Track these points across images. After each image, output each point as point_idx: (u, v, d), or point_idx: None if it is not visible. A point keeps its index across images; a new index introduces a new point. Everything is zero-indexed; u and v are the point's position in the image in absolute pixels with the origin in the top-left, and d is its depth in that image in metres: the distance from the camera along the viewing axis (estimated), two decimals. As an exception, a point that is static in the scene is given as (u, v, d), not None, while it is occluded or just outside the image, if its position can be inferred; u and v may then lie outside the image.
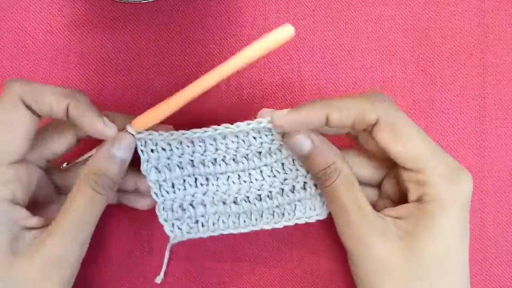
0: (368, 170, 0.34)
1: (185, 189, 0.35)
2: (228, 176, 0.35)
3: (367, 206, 0.31)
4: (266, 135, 0.34)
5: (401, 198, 0.33)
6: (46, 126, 0.34)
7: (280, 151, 0.34)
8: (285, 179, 0.35)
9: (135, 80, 0.39)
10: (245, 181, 0.35)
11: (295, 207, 0.35)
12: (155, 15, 0.39)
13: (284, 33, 0.30)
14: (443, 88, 0.39)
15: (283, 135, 0.33)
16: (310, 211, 0.35)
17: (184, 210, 0.35)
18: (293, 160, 0.34)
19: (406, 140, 0.30)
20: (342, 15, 0.39)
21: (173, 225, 0.35)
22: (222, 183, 0.35)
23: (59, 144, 0.34)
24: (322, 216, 0.35)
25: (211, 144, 0.34)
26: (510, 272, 0.39)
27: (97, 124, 0.31)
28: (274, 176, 0.35)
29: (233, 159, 0.35)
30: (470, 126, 0.39)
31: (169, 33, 0.39)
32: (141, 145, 0.33)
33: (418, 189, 0.31)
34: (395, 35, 0.39)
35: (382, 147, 0.31)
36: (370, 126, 0.31)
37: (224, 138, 0.34)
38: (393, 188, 0.34)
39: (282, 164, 0.35)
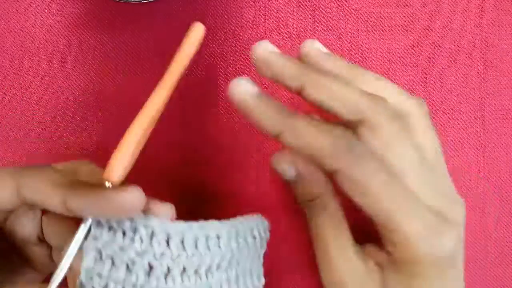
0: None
1: None
2: None
3: (351, 247, 0.29)
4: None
5: None
6: None
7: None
8: None
9: (135, 80, 0.39)
10: None
11: None
12: (155, 15, 0.39)
13: (198, 34, 0.29)
14: (443, 88, 0.39)
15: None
16: None
17: None
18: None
19: (372, 199, 0.26)
20: (342, 15, 0.39)
21: None
22: None
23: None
24: None
25: (190, 247, 0.26)
26: (510, 272, 0.39)
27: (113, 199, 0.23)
28: None
29: (208, 270, 0.27)
30: (470, 126, 0.39)
31: (169, 33, 0.39)
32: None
33: (389, 245, 0.28)
34: (395, 35, 0.39)
35: (348, 195, 0.27)
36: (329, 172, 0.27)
37: (208, 239, 0.26)
38: None
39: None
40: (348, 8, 0.39)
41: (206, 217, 0.27)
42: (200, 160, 0.39)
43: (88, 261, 0.24)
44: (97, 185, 0.24)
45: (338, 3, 0.39)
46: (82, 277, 0.24)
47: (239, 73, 0.39)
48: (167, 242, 0.25)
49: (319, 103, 0.28)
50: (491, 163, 0.39)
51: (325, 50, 0.31)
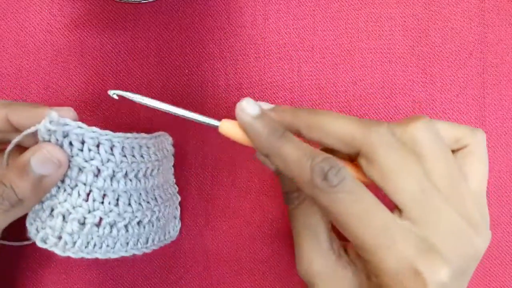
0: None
1: (70, 194, 0.31)
2: (131, 195, 0.33)
3: (326, 240, 0.30)
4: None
5: None
6: None
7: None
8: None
9: (135, 80, 0.39)
10: (148, 202, 0.34)
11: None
12: (155, 15, 0.39)
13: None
14: (443, 88, 0.39)
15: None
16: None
17: (52, 216, 0.31)
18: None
19: (347, 226, 0.27)
20: (342, 15, 0.39)
21: (35, 227, 0.32)
22: (122, 204, 0.32)
23: None
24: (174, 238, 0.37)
25: (129, 154, 0.32)
26: (510, 272, 0.39)
27: (43, 111, 0.29)
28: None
29: (144, 175, 0.33)
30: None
31: (169, 33, 0.39)
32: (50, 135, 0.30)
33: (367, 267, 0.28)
34: (395, 35, 0.39)
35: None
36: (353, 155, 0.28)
37: (141, 148, 0.33)
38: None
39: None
40: (348, 8, 0.39)
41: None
42: (200, 161, 0.39)
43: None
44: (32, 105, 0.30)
45: (338, 3, 0.39)
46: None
47: (239, 73, 0.39)
48: (111, 149, 0.31)
49: (317, 142, 0.29)
50: (491, 163, 0.39)
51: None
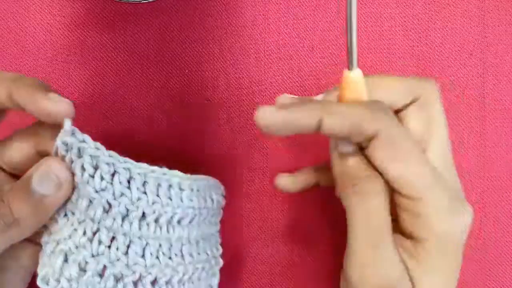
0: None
1: (71, 235, 0.26)
2: (147, 244, 0.26)
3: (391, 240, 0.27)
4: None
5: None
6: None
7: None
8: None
9: (135, 80, 0.39)
10: (163, 254, 0.27)
11: None
12: (155, 15, 0.39)
13: None
14: (443, 88, 0.39)
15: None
16: None
17: (49, 257, 0.26)
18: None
19: (406, 162, 0.26)
20: (342, 15, 0.39)
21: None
22: (134, 252, 0.26)
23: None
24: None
25: (152, 193, 0.26)
26: (510, 272, 0.39)
27: (39, 101, 0.25)
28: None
29: (168, 223, 0.27)
30: (470, 126, 0.39)
31: (169, 33, 0.39)
32: (64, 150, 0.25)
33: (411, 220, 0.27)
34: (395, 35, 0.39)
35: (377, 165, 0.27)
36: (367, 139, 0.26)
37: (169, 188, 0.27)
38: None
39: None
40: (348, 8, 0.39)
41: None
42: (201, 162, 0.39)
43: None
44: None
45: (338, 3, 0.39)
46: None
47: (239, 73, 0.39)
48: (128, 182, 0.26)
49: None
50: (491, 163, 0.39)
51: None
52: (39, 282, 0.26)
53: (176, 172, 0.27)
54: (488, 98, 0.39)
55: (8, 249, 0.28)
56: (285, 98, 0.29)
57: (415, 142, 0.27)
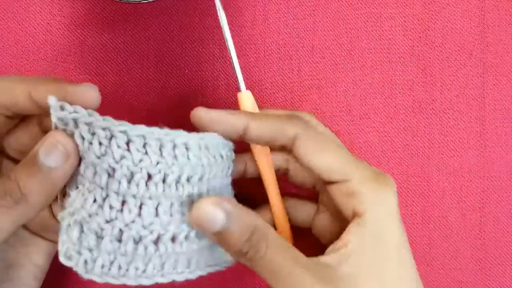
0: (304, 175, 0.33)
1: (83, 205, 0.26)
2: (159, 203, 0.27)
3: (303, 258, 0.27)
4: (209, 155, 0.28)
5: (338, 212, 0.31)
6: None
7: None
8: None
9: (135, 80, 0.39)
10: (177, 212, 0.27)
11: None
12: (155, 15, 0.39)
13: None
14: (443, 88, 0.39)
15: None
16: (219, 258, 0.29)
17: (67, 231, 0.26)
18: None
19: (329, 152, 0.30)
20: (342, 15, 0.39)
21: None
22: (147, 213, 0.26)
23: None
24: (230, 263, 0.30)
25: (154, 153, 0.26)
26: (510, 272, 0.39)
27: (65, 88, 0.26)
28: None
29: (176, 182, 0.27)
30: (470, 126, 0.39)
31: (169, 33, 0.39)
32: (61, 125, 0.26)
33: (348, 201, 0.29)
34: (395, 35, 0.39)
35: (305, 161, 0.30)
36: (290, 141, 0.30)
37: (174, 148, 0.27)
38: (330, 200, 0.32)
39: None
40: (348, 8, 0.39)
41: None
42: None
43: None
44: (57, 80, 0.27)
45: (338, 3, 0.39)
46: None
47: (239, 73, 0.39)
48: (127, 145, 0.26)
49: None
50: (491, 163, 0.39)
51: None
52: (62, 259, 0.26)
53: (181, 131, 0.27)
54: (488, 98, 0.39)
55: (20, 245, 0.28)
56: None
57: (332, 136, 0.32)
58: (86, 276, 0.26)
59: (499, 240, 0.39)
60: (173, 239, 0.27)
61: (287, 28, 0.39)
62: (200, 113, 0.29)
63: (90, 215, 0.26)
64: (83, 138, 0.26)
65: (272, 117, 0.30)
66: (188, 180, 0.27)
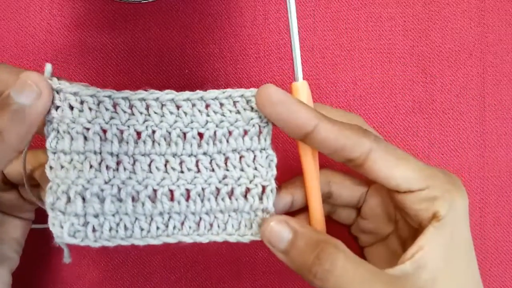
0: (348, 189, 0.33)
1: (81, 170, 0.27)
2: (152, 160, 0.28)
3: (380, 272, 0.27)
4: (218, 113, 0.28)
5: (389, 219, 0.32)
6: None
7: (228, 140, 0.28)
8: (224, 178, 0.28)
9: (135, 80, 0.39)
10: (173, 169, 0.28)
11: (228, 219, 0.28)
12: (155, 15, 0.39)
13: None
14: (443, 88, 0.39)
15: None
16: (245, 228, 0.28)
17: (70, 201, 0.26)
18: (240, 157, 0.28)
19: (405, 162, 0.29)
20: (342, 15, 0.39)
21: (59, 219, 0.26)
22: (140, 169, 0.27)
23: None
24: (258, 237, 0.29)
25: (141, 113, 0.28)
26: (510, 272, 0.39)
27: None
28: (213, 170, 0.28)
29: (164, 138, 0.28)
30: (470, 126, 0.39)
31: (169, 33, 0.39)
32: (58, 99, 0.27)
33: (429, 206, 0.29)
34: (395, 35, 0.39)
35: (381, 176, 0.28)
36: (364, 154, 0.28)
37: (162, 107, 0.28)
38: (379, 208, 0.32)
39: (226, 157, 0.28)
40: (348, 8, 0.39)
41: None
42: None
43: (51, 142, 0.27)
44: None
45: (338, 3, 0.39)
46: (52, 163, 0.27)
47: (239, 73, 0.39)
48: (114, 107, 0.27)
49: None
50: (491, 163, 0.39)
51: None
52: (67, 240, 0.26)
53: (169, 91, 0.28)
54: (488, 98, 0.39)
55: None
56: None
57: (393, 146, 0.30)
58: (96, 244, 0.26)
59: (499, 241, 0.39)
60: (171, 198, 0.28)
61: (287, 28, 0.39)
62: (271, 90, 0.27)
63: (88, 181, 0.26)
64: (71, 107, 0.27)
65: (346, 125, 0.28)
66: (179, 136, 0.28)
